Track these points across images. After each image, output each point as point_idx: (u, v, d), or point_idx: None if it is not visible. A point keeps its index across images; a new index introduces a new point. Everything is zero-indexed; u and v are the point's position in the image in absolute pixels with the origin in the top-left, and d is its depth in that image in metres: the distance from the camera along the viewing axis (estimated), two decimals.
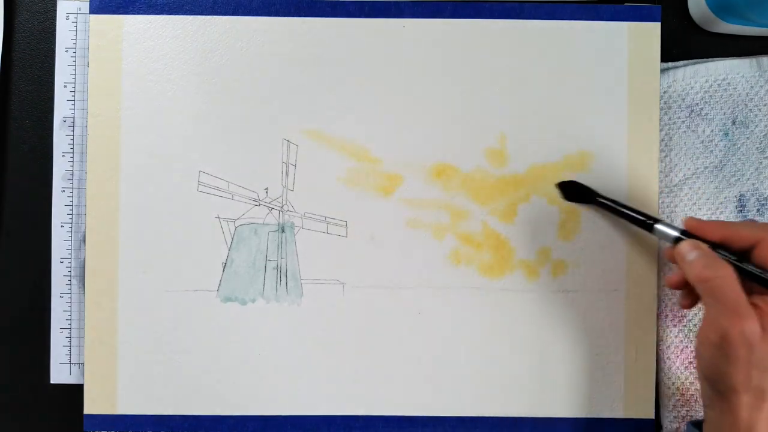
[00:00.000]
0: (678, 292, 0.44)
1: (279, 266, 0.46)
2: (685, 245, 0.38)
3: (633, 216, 0.42)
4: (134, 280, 0.46)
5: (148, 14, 0.46)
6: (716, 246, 0.38)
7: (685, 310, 0.46)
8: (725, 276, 0.35)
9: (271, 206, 0.46)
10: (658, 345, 0.46)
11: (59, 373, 0.47)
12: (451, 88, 0.46)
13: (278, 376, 0.46)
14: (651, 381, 0.46)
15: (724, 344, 0.34)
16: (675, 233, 0.40)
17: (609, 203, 0.44)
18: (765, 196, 0.46)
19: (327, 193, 0.46)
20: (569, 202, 0.45)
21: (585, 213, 0.46)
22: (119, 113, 0.46)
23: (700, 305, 0.43)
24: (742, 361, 0.34)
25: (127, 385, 0.46)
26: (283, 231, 0.46)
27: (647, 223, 0.42)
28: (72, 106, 0.47)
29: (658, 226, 0.41)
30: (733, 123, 0.46)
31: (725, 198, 0.46)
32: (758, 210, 0.46)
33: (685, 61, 0.47)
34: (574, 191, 0.45)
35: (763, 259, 0.36)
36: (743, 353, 0.34)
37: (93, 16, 0.46)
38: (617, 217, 0.44)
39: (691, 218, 0.39)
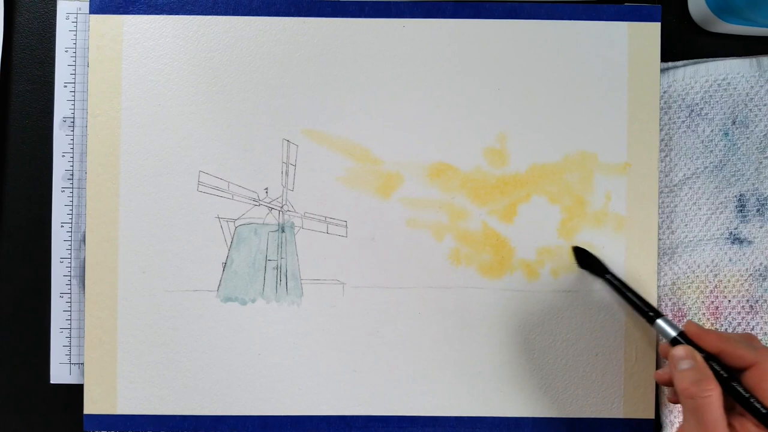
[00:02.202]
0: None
1: (279, 266, 0.46)
2: (680, 351, 0.37)
3: (636, 304, 0.42)
4: (134, 280, 0.46)
5: (148, 14, 0.46)
6: (711, 357, 0.37)
7: (685, 310, 0.46)
8: (711, 396, 0.35)
9: (271, 206, 0.46)
10: (658, 345, 0.46)
11: (59, 373, 0.47)
12: (451, 88, 0.46)
13: (278, 376, 0.46)
14: (651, 381, 0.46)
15: None
16: (673, 333, 0.40)
17: (616, 283, 0.43)
18: (765, 196, 0.46)
19: (327, 193, 0.46)
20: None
21: (586, 213, 0.46)
22: (119, 113, 0.46)
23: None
24: None
25: (127, 385, 0.46)
26: (283, 231, 0.46)
27: (649, 315, 0.41)
28: (72, 106, 0.47)
29: (659, 322, 0.40)
30: (733, 123, 0.46)
31: (725, 198, 0.46)
32: (758, 210, 0.46)
33: (685, 61, 0.47)
34: (586, 260, 0.45)
35: (754, 383, 0.36)
36: None
37: (93, 16, 0.46)
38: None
39: (692, 324, 0.39)
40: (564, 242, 0.46)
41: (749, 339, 0.38)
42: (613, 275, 0.44)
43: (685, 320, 0.46)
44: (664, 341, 0.41)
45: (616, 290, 0.43)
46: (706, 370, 0.36)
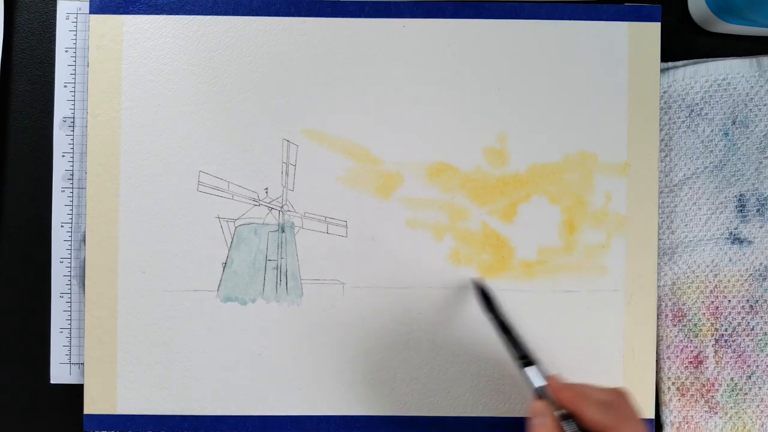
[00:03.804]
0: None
1: (279, 266, 0.46)
2: (537, 406, 0.37)
3: (511, 347, 0.41)
4: (134, 280, 0.46)
5: (148, 14, 0.46)
6: (567, 417, 0.36)
7: (685, 310, 0.46)
8: None
9: (271, 206, 0.46)
10: (657, 345, 0.46)
11: (59, 373, 0.47)
12: (451, 87, 0.46)
13: (278, 376, 0.46)
14: (651, 381, 0.46)
15: None
16: (536, 385, 0.38)
17: (496, 324, 0.42)
18: (765, 196, 0.46)
19: (327, 193, 0.46)
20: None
21: (586, 213, 0.46)
22: (119, 113, 0.46)
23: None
24: None
25: (127, 385, 0.46)
26: (283, 231, 0.46)
27: (521, 361, 0.40)
28: (72, 106, 0.47)
29: (527, 370, 0.39)
30: (733, 123, 0.46)
31: (725, 198, 0.46)
32: (758, 210, 0.46)
33: (685, 61, 0.47)
34: (481, 294, 0.44)
35: None
36: None
37: (93, 16, 0.46)
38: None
39: (555, 378, 0.38)
40: (564, 242, 0.46)
41: (615, 399, 0.36)
42: (495, 315, 0.43)
43: (685, 319, 0.46)
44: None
45: (496, 330, 0.42)
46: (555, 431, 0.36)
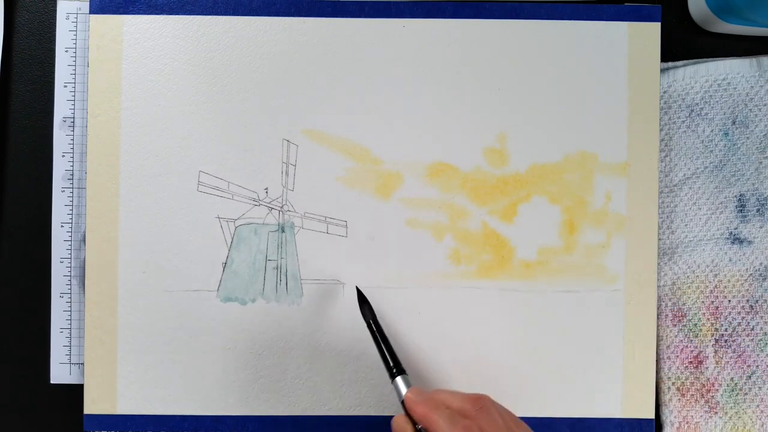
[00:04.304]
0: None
1: (279, 266, 0.46)
2: (398, 420, 0.37)
3: (384, 357, 0.41)
4: (134, 280, 0.46)
5: (148, 14, 0.46)
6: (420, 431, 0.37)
7: (685, 310, 0.46)
8: None
9: (271, 206, 0.46)
10: (657, 345, 0.46)
11: (59, 373, 0.47)
12: (451, 87, 0.46)
13: (278, 376, 0.46)
14: (651, 381, 0.46)
15: None
16: (401, 396, 0.39)
17: (372, 332, 0.42)
18: (765, 196, 0.46)
19: (327, 193, 0.46)
20: None
21: (586, 213, 0.46)
22: (119, 113, 0.46)
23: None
24: None
25: (127, 385, 0.46)
26: (283, 231, 0.46)
27: (391, 371, 0.40)
28: (72, 106, 0.47)
29: (397, 380, 0.39)
30: (733, 123, 0.46)
31: (725, 198, 0.46)
32: (758, 210, 0.46)
33: (685, 61, 0.47)
34: (361, 301, 0.44)
35: None
36: None
37: (93, 16, 0.46)
38: None
39: (413, 390, 0.38)
40: (564, 242, 0.46)
41: (471, 407, 0.36)
42: (371, 325, 0.42)
43: (685, 319, 0.46)
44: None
45: (373, 338, 0.42)
46: None
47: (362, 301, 0.44)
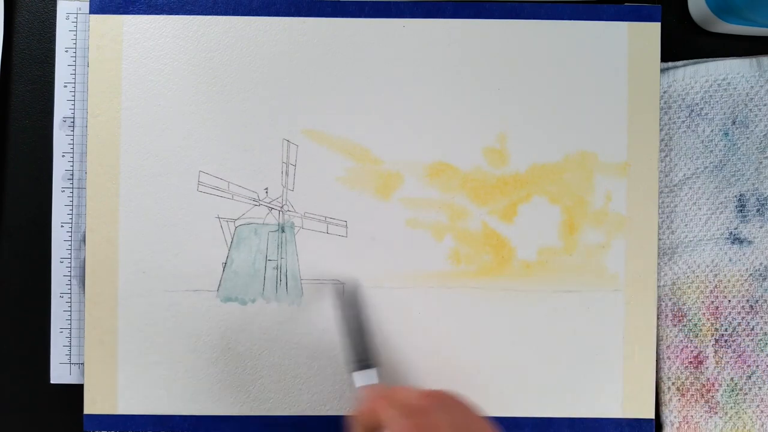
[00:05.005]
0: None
1: (279, 266, 0.46)
2: (351, 418, 0.38)
3: (349, 350, 0.41)
4: (134, 280, 0.46)
5: (148, 14, 0.46)
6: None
7: (685, 310, 0.46)
8: None
9: (271, 206, 0.46)
10: (657, 345, 0.46)
11: (59, 373, 0.47)
12: (451, 87, 0.46)
13: (278, 376, 0.46)
14: (651, 381, 0.46)
15: None
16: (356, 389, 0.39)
17: (346, 324, 0.42)
18: (765, 196, 0.46)
19: (327, 193, 0.46)
20: None
21: (586, 213, 0.46)
22: (119, 113, 0.46)
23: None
24: None
25: (127, 385, 0.46)
26: (283, 231, 0.46)
27: (352, 365, 0.40)
28: (72, 106, 0.47)
29: (354, 374, 0.40)
30: (733, 123, 0.46)
31: (725, 198, 0.46)
32: (758, 210, 0.46)
33: (685, 61, 0.47)
34: (343, 291, 0.44)
35: None
36: None
37: (93, 16, 0.46)
38: None
39: (368, 388, 0.38)
40: (564, 242, 0.46)
41: (427, 403, 0.35)
42: (345, 316, 0.43)
43: (685, 319, 0.46)
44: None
45: (347, 330, 0.42)
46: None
47: (345, 293, 0.44)
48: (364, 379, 0.39)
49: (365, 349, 0.41)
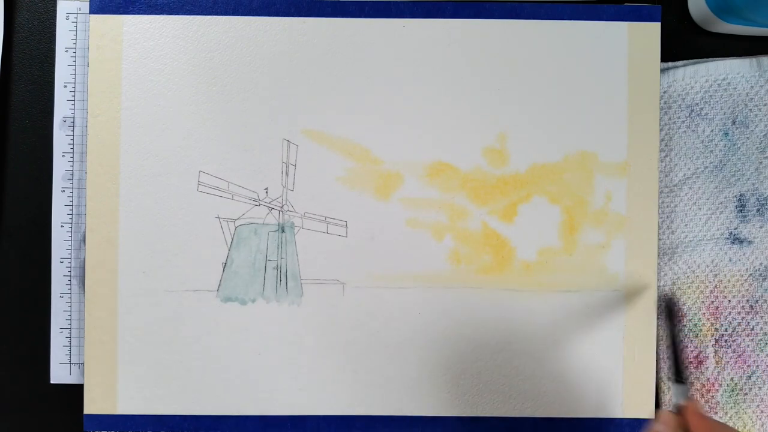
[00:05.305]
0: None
1: (279, 266, 0.46)
2: (666, 417, 0.38)
3: (672, 362, 0.41)
4: (134, 280, 0.46)
5: (148, 14, 0.46)
6: None
7: (686, 310, 0.46)
8: None
9: (271, 206, 0.46)
10: (657, 345, 0.46)
11: (59, 373, 0.47)
12: (451, 87, 0.46)
13: (278, 376, 0.46)
14: (651, 381, 0.46)
15: None
16: (678, 401, 0.39)
17: (670, 337, 0.42)
18: (765, 196, 0.46)
19: (327, 193, 0.46)
20: None
21: (586, 213, 0.46)
22: (119, 113, 0.46)
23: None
24: None
25: (127, 385, 0.46)
26: (283, 231, 0.46)
27: (673, 377, 0.40)
28: (72, 106, 0.47)
29: (675, 387, 0.40)
30: (733, 123, 0.46)
31: (725, 198, 0.46)
32: (758, 210, 0.46)
33: (685, 61, 0.47)
34: (668, 308, 0.43)
35: None
36: None
37: (93, 16, 0.46)
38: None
39: (694, 404, 0.38)
40: (564, 242, 0.46)
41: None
42: (675, 330, 0.42)
43: (685, 319, 0.46)
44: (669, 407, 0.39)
45: (667, 341, 0.42)
46: None
47: (669, 309, 0.43)
48: (683, 393, 0.39)
49: (682, 361, 0.41)
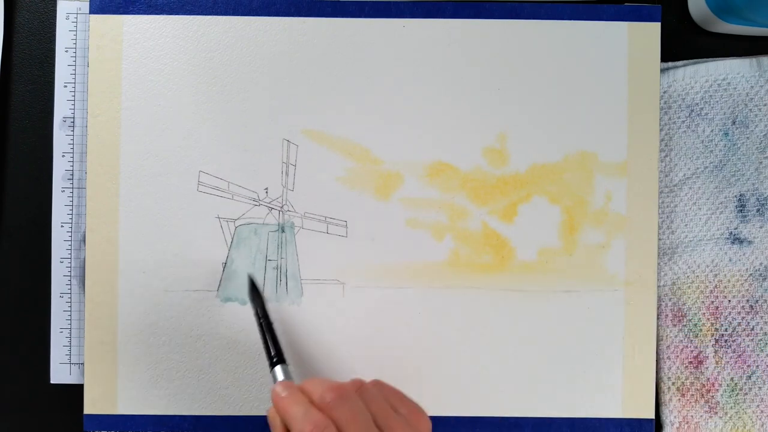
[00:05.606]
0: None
1: (279, 266, 0.46)
2: (269, 412, 0.37)
3: (266, 346, 0.41)
4: (134, 280, 0.46)
5: (148, 14, 0.46)
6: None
7: (685, 310, 0.46)
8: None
9: (271, 206, 0.46)
10: (657, 345, 0.46)
11: (59, 373, 0.47)
12: (451, 87, 0.46)
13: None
14: (651, 380, 0.46)
15: None
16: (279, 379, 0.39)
17: (260, 321, 0.42)
18: (765, 196, 0.46)
19: (327, 193, 0.46)
20: None
21: (586, 213, 0.46)
22: (119, 113, 0.46)
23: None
24: None
25: (127, 385, 0.46)
26: (283, 231, 0.46)
27: (272, 360, 0.40)
28: (72, 106, 0.47)
29: (276, 369, 0.39)
30: (733, 123, 0.46)
31: (725, 198, 0.46)
32: (758, 210, 0.46)
33: (685, 61, 0.47)
34: (252, 290, 0.44)
35: None
36: None
37: (93, 16, 0.46)
38: None
39: (279, 384, 0.37)
40: (564, 242, 0.46)
41: (334, 397, 0.34)
42: (258, 314, 0.42)
43: (685, 319, 0.46)
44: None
45: (259, 327, 0.42)
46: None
47: (253, 290, 0.44)
48: (283, 374, 0.39)
49: (276, 342, 0.41)
